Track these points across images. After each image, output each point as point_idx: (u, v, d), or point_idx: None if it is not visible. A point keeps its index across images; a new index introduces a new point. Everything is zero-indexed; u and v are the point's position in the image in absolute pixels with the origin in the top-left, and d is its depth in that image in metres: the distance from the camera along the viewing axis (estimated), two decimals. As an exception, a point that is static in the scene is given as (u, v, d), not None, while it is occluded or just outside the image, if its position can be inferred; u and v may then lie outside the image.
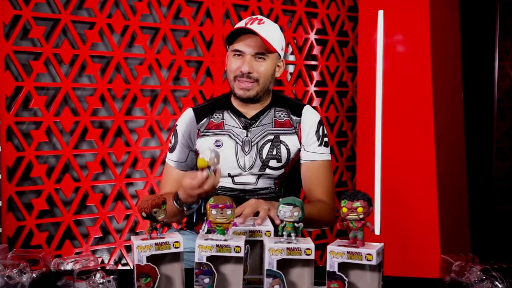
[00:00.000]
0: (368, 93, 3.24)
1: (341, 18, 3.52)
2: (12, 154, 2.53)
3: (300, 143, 1.92)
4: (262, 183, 1.89)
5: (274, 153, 1.88)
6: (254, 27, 1.82)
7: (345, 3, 3.53)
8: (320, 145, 1.92)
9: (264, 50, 1.83)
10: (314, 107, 3.40)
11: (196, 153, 1.92)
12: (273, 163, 1.88)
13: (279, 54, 1.89)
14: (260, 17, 1.87)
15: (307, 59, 3.43)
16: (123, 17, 2.81)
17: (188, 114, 1.96)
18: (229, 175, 1.88)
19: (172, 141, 1.96)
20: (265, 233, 1.49)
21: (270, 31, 1.84)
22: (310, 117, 1.94)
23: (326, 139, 1.94)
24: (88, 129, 2.72)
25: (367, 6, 3.27)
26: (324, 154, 1.93)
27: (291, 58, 3.40)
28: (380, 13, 3.18)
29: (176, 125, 1.96)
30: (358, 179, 3.36)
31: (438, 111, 2.98)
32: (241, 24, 1.86)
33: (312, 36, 3.43)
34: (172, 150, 1.95)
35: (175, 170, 1.94)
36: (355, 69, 3.51)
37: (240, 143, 1.88)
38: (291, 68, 3.42)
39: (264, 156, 1.88)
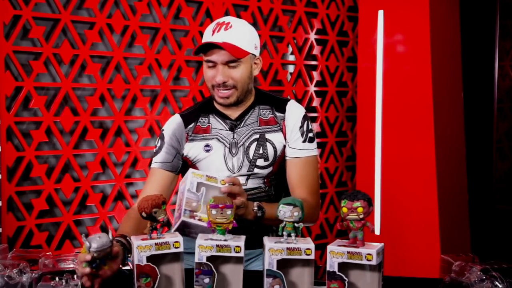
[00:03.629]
0: (368, 93, 3.24)
1: (341, 18, 3.52)
2: (12, 154, 2.53)
3: (285, 139, 1.89)
4: (252, 183, 1.87)
5: (261, 152, 1.86)
6: (221, 34, 1.77)
7: (345, 3, 3.53)
8: (304, 141, 1.89)
9: (235, 57, 1.79)
10: (314, 107, 3.43)
11: (184, 159, 1.89)
12: (260, 162, 1.86)
13: (253, 53, 1.85)
14: (227, 20, 1.82)
15: (307, 59, 3.43)
16: (123, 17, 2.81)
17: (175, 119, 1.93)
18: None
19: (158, 145, 1.91)
20: (220, 182, 1.61)
21: (239, 35, 1.79)
22: (294, 112, 1.91)
23: (311, 134, 1.91)
24: (88, 129, 2.72)
25: (367, 6, 3.27)
26: (309, 150, 1.90)
27: (291, 58, 3.40)
28: (380, 13, 3.18)
29: (163, 129, 1.93)
30: (358, 179, 3.36)
31: (438, 111, 2.98)
32: (208, 31, 1.81)
33: (312, 36, 3.43)
34: (157, 153, 1.90)
35: (158, 170, 1.88)
36: (355, 69, 3.51)
37: (228, 146, 1.87)
38: (291, 68, 3.42)
39: (251, 156, 1.86)
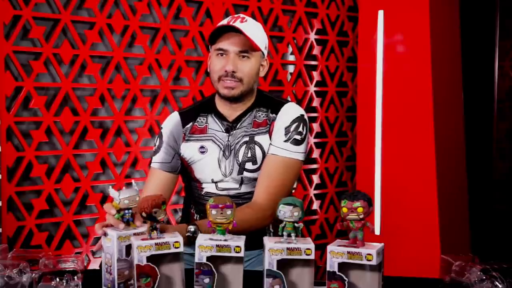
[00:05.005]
0: (368, 93, 3.24)
1: (341, 18, 3.52)
2: (12, 154, 2.53)
3: (270, 139, 1.83)
4: (245, 188, 1.83)
5: (249, 155, 1.81)
6: (237, 25, 1.77)
7: (345, 3, 3.53)
8: (286, 140, 1.80)
9: (249, 47, 1.79)
10: (314, 107, 3.43)
11: (180, 158, 1.88)
12: (249, 165, 1.82)
13: (262, 53, 1.86)
14: (242, 15, 1.84)
15: (307, 59, 3.43)
16: (123, 17, 2.81)
17: (174, 118, 1.91)
18: (212, 181, 1.84)
19: (157, 144, 1.90)
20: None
21: (254, 29, 1.80)
22: (286, 113, 1.84)
23: (298, 136, 1.81)
24: (88, 129, 2.72)
25: (367, 6, 3.27)
26: (288, 151, 1.80)
27: (291, 58, 3.40)
28: (380, 13, 3.18)
29: (161, 127, 1.92)
30: (358, 179, 3.36)
31: (438, 111, 2.98)
32: (223, 22, 1.81)
33: (312, 36, 3.43)
34: (156, 152, 1.89)
35: (158, 171, 1.87)
36: (355, 69, 3.51)
37: (222, 148, 1.84)
38: (291, 68, 3.41)
39: (240, 159, 1.82)
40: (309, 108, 3.44)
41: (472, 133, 3.43)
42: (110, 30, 2.77)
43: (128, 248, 1.36)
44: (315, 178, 3.46)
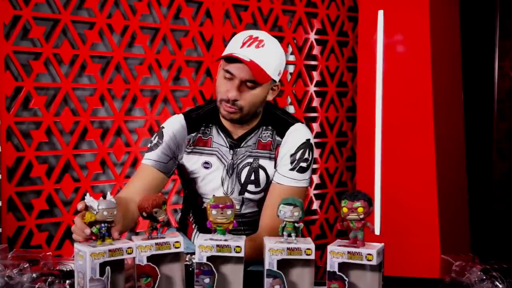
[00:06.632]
0: (368, 93, 3.24)
1: (341, 18, 3.52)
2: (12, 154, 2.53)
3: (276, 165, 1.78)
4: (246, 208, 1.81)
5: (253, 177, 1.77)
6: (251, 51, 1.65)
7: (345, 3, 3.53)
8: (292, 169, 1.75)
9: (256, 80, 1.67)
10: (314, 107, 3.43)
11: (178, 164, 1.81)
12: (251, 187, 1.78)
13: (274, 79, 1.73)
14: (261, 36, 1.70)
15: (307, 59, 3.43)
16: (123, 17, 2.81)
17: (179, 121, 1.81)
18: None
19: (154, 141, 1.79)
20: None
21: (268, 57, 1.67)
22: (292, 138, 1.78)
23: (303, 164, 1.76)
24: (88, 129, 2.72)
25: (367, 6, 3.27)
26: (294, 179, 1.75)
27: (291, 58, 3.40)
28: (380, 13, 3.18)
29: (163, 127, 1.81)
30: (358, 179, 3.36)
31: (438, 111, 2.98)
32: (238, 41, 1.70)
33: (312, 36, 3.43)
34: (151, 149, 1.78)
35: (150, 168, 1.76)
36: (355, 69, 3.51)
37: (227, 166, 1.78)
38: (291, 68, 3.41)
39: (242, 179, 1.78)
40: (309, 108, 3.44)
41: (472, 133, 3.43)
42: (110, 30, 2.77)
43: (103, 266, 1.23)
44: (315, 178, 3.46)
